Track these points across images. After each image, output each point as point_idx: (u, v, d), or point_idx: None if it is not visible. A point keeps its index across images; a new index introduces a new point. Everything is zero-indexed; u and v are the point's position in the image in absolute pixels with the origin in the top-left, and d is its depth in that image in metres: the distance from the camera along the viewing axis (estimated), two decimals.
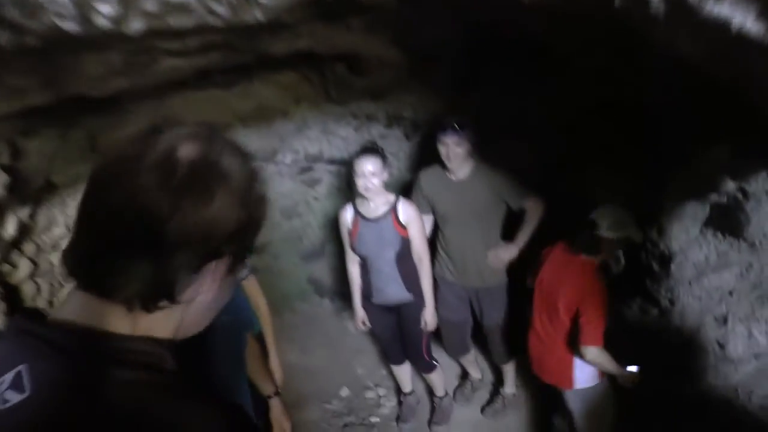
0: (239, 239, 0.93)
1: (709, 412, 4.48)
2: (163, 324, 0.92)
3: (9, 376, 0.80)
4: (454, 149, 3.58)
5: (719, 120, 3.35)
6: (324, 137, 4.34)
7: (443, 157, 3.66)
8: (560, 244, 3.58)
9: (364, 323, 3.99)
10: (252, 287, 3.25)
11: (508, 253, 3.93)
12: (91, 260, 0.87)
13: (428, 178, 3.92)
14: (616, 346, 4.71)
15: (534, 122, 4.05)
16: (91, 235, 0.87)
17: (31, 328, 0.86)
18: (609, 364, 3.22)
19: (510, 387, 4.40)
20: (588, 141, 4.30)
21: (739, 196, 4.59)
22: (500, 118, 4.00)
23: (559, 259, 3.35)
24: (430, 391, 4.41)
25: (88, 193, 0.89)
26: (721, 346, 4.91)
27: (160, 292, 0.88)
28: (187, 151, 0.87)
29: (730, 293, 4.80)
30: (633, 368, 3.47)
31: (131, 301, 0.87)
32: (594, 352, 3.13)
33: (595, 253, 3.30)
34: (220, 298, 0.96)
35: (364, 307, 3.96)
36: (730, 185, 4.41)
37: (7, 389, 0.79)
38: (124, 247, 0.84)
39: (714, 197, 4.61)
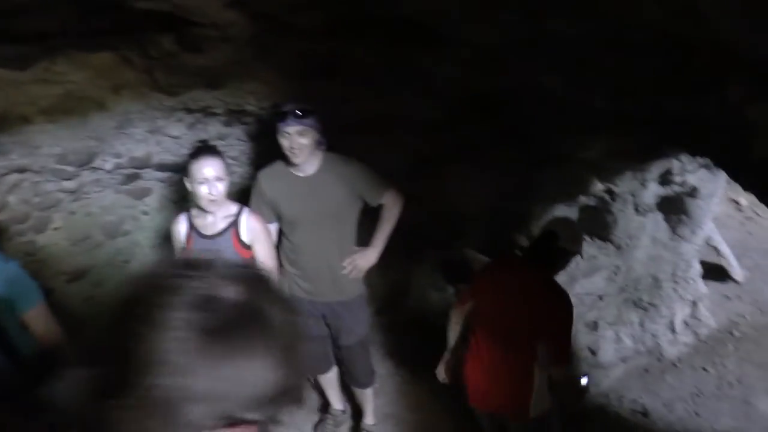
0: (269, 407, 0.78)
1: (585, 421, 4.32)
2: None
3: None
4: (297, 140, 3.04)
5: (596, 116, 3.09)
6: (152, 137, 3.59)
7: (286, 150, 3.10)
8: (503, 262, 3.25)
9: None
10: (39, 320, 2.55)
11: (367, 259, 3.44)
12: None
13: (270, 177, 3.33)
14: None
15: (397, 116, 3.62)
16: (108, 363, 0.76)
17: None
18: (573, 381, 3.07)
19: (370, 417, 3.93)
20: (454, 139, 3.95)
21: (607, 197, 4.52)
22: (360, 111, 3.53)
23: (514, 279, 2.96)
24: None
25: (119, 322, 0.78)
26: (593, 352, 4.83)
27: None
28: (228, 292, 0.77)
29: (600, 298, 4.73)
30: (584, 380, 3.40)
31: None
32: (568, 369, 2.98)
33: (555, 267, 2.99)
34: None
35: None
36: (599, 186, 4.32)
37: None
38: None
39: (583, 199, 4.50)
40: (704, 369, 4.86)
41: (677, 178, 4.36)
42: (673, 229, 4.79)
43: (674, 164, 4.19)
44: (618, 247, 4.74)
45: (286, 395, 0.79)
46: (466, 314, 3.18)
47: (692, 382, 4.71)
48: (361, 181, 3.29)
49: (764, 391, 4.66)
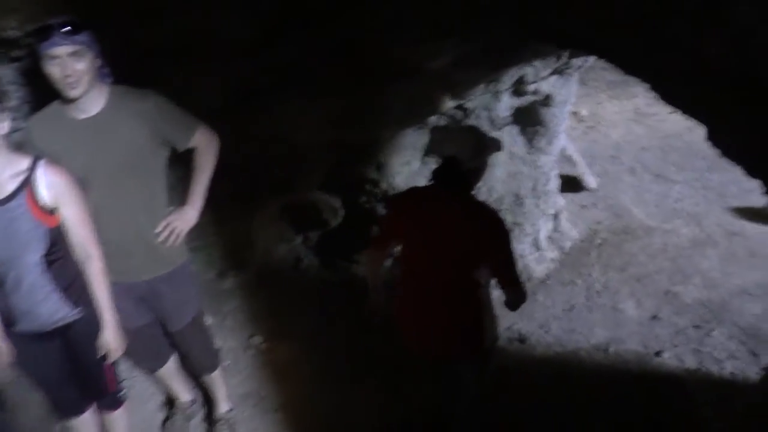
0: None
1: None
2: None
3: None
4: (71, 65, 2.33)
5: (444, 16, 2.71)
6: None
7: (58, 83, 2.38)
8: (418, 194, 2.95)
9: (9, 365, 2.65)
10: None
11: (185, 220, 2.79)
12: None
13: (43, 124, 2.58)
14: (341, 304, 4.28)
15: (207, 37, 3.02)
16: None
17: None
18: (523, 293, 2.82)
19: (224, 403, 3.43)
20: (279, 62, 3.42)
21: (459, 114, 4.24)
22: (159, 32, 2.88)
23: (439, 208, 2.72)
24: None
25: None
26: None
27: None
28: None
29: None
30: None
31: None
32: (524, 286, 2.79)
33: (470, 186, 2.76)
34: None
35: (8, 339, 2.62)
36: (449, 103, 4.01)
37: None
38: None
39: (433, 120, 4.18)
40: (572, 282, 4.86)
41: (531, 87, 4.17)
42: (530, 142, 4.65)
43: (527, 71, 3.96)
44: None
45: None
46: (388, 256, 2.98)
47: (563, 297, 4.69)
48: (164, 120, 2.62)
49: (629, 294, 4.75)
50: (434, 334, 2.85)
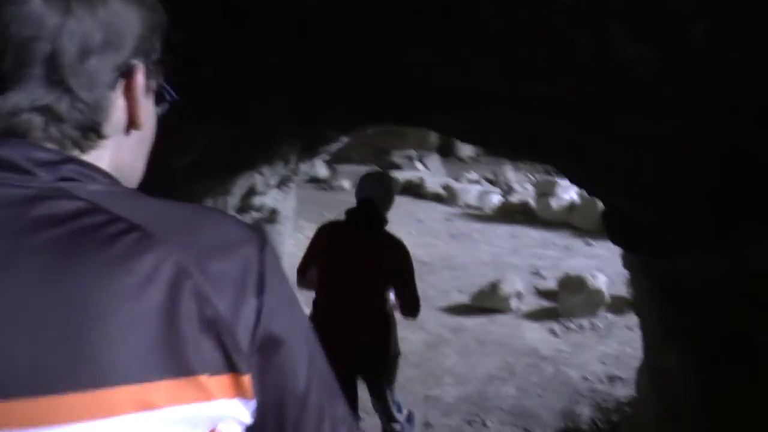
0: (146, 45, 0.79)
1: None
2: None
3: None
4: None
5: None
6: None
7: None
8: (337, 226, 3.40)
9: None
10: None
11: None
12: None
13: None
14: None
15: None
16: None
17: None
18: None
19: None
20: None
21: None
22: None
23: (356, 238, 3.23)
24: None
25: None
26: None
27: (86, 124, 0.72)
28: None
29: None
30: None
31: (58, 140, 0.71)
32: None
33: (382, 224, 3.28)
34: (148, 125, 0.81)
35: None
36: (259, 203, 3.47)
37: None
38: (24, 73, 0.67)
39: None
40: None
41: (257, 201, 3.86)
42: None
43: (257, 180, 3.66)
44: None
45: (155, 28, 0.80)
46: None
47: None
48: None
49: None
50: (347, 347, 3.03)
